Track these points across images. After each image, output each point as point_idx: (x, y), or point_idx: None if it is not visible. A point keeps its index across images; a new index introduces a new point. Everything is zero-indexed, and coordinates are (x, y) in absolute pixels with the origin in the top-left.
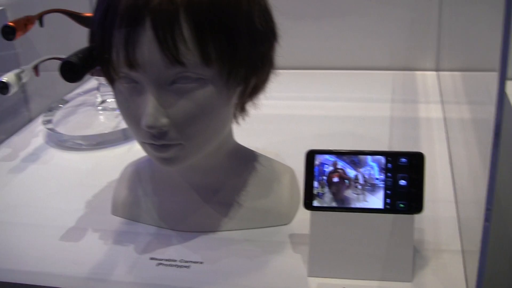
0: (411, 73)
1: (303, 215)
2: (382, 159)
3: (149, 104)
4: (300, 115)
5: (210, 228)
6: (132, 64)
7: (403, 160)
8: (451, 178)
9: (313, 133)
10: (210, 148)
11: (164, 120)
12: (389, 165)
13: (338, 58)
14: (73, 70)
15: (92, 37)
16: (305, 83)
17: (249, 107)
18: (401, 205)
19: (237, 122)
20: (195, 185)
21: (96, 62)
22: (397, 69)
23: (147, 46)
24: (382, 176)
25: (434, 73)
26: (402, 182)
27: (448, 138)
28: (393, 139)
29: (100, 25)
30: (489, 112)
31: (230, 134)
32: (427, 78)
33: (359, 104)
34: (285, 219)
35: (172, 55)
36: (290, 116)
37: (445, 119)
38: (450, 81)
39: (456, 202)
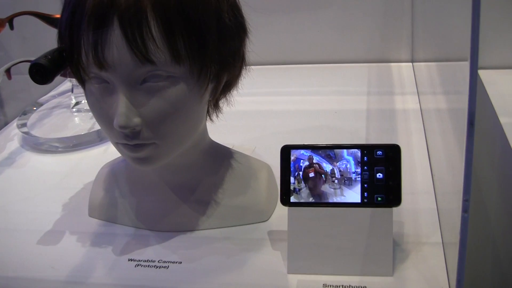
0: (386, 65)
1: (281, 211)
2: (357, 152)
3: (121, 104)
4: (275, 110)
5: (188, 227)
6: (101, 64)
7: (379, 152)
8: (429, 170)
9: (289, 128)
10: (184, 146)
11: (136, 120)
12: (365, 158)
13: (311, 52)
14: (42, 72)
15: (61, 38)
16: (279, 78)
17: (223, 104)
18: (379, 199)
19: (211, 120)
20: (171, 185)
21: (66, 63)
22: (372, 61)
23: (116, 45)
24: (359, 170)
25: (409, 64)
26: (379, 175)
27: (425, 129)
28: (370, 132)
29: (67, 25)
30: (463, 101)
31: (204, 131)
32: (402, 70)
33: (334, 98)
34: (263, 216)
35: (142, 54)
36: (265, 112)
37: (421, 110)
38: (425, 72)
39: (435, 193)
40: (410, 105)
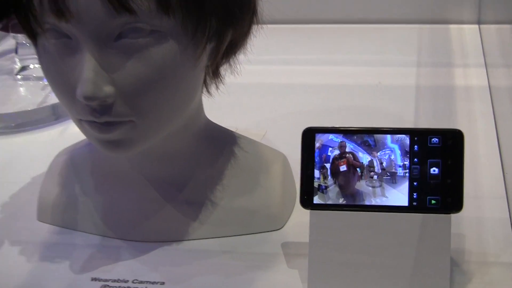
0: (444, 27)
1: (301, 216)
2: (406, 139)
3: (87, 67)
4: (294, 83)
5: (174, 236)
6: (61, 11)
7: (435, 140)
8: (500, 166)
9: (312, 107)
10: (171, 127)
11: (107, 89)
12: (416, 148)
13: (343, 7)
14: None
15: None
16: (300, 41)
17: (225, 72)
18: (433, 202)
19: (209, 93)
20: (152, 179)
21: (10, 11)
22: (425, 22)
23: None
24: (407, 163)
25: (474, 26)
26: (434, 171)
27: (494, 113)
28: (420, 115)
29: None
30: None
31: (199, 108)
32: (465, 33)
33: (373, 69)
34: (276, 222)
35: None
36: (281, 85)
37: (490, 87)
38: (496, 37)
39: (508, 198)
40: (474, 81)
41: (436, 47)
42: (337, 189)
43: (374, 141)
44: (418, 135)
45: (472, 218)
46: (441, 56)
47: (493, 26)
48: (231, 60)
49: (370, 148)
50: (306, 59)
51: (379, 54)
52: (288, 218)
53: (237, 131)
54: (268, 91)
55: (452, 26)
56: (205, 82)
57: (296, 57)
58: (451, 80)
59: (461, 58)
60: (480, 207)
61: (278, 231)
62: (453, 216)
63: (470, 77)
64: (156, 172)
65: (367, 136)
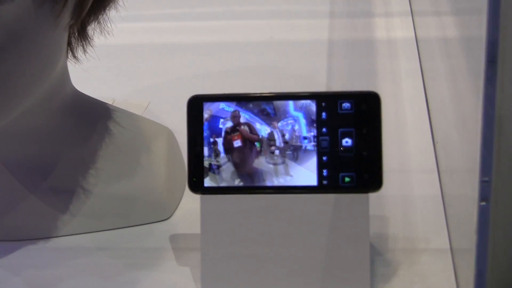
0: None
1: (191, 203)
2: (312, 105)
3: None
4: (180, 43)
5: (38, 233)
6: None
7: (346, 105)
8: (430, 133)
9: (203, 71)
10: (29, 100)
11: None
12: (324, 115)
13: None
14: None
15: None
16: None
17: (93, 32)
18: (347, 179)
19: (75, 58)
20: (9, 164)
21: None
22: None
23: None
24: (314, 133)
25: None
26: (347, 142)
27: (422, 70)
28: (334, 75)
29: None
30: (481, 24)
31: (64, 77)
32: None
33: (276, 22)
34: (161, 211)
35: None
36: (164, 46)
37: (417, 39)
38: None
39: (438, 171)
40: (399, 33)
41: None
42: (232, 168)
43: (274, 109)
44: (326, 100)
45: (396, 196)
46: (358, 2)
47: None
48: (100, 17)
49: (269, 117)
50: (192, 12)
51: (283, 4)
52: (177, 205)
53: (114, 103)
54: (148, 54)
55: None
56: (69, 44)
57: (180, 11)
58: (371, 32)
59: (382, 5)
60: (405, 183)
61: (164, 221)
62: (372, 195)
63: (393, 28)
64: (13, 155)
65: (265, 103)
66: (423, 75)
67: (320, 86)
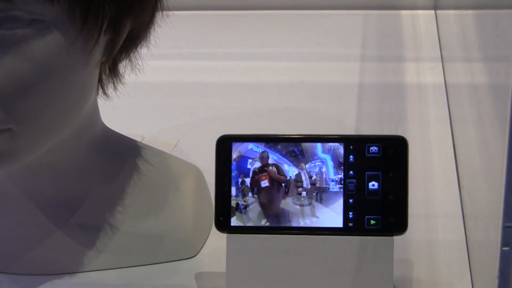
0: (394, 13)
1: (218, 241)
2: (340, 148)
3: None
4: (210, 82)
5: (65, 268)
6: None
7: (374, 149)
8: (456, 178)
9: (232, 111)
10: (59, 136)
11: None
12: (351, 158)
13: None
14: None
15: None
16: (216, 31)
17: (125, 69)
18: (372, 222)
19: (106, 95)
20: (38, 199)
21: None
22: (371, 8)
23: None
24: (341, 176)
25: (430, 12)
26: (373, 185)
27: (451, 116)
28: (363, 119)
29: None
30: (508, 70)
31: (94, 114)
32: (419, 21)
33: (307, 64)
34: (188, 249)
35: None
36: (194, 84)
37: (446, 85)
38: (456, 25)
39: (463, 216)
40: (428, 78)
41: (384, 38)
42: (258, 208)
43: (302, 151)
44: (353, 143)
45: (421, 241)
46: (389, 48)
47: (452, 12)
48: (131, 55)
49: (297, 159)
50: (224, 52)
51: (315, 46)
52: (203, 244)
53: (143, 141)
54: (178, 92)
55: (403, 12)
56: (100, 81)
57: (212, 51)
58: (401, 76)
59: (413, 50)
60: (430, 227)
61: (190, 259)
62: (398, 239)
63: (424, 73)
64: (42, 191)
65: (293, 145)
66: (451, 120)
67: (349, 129)
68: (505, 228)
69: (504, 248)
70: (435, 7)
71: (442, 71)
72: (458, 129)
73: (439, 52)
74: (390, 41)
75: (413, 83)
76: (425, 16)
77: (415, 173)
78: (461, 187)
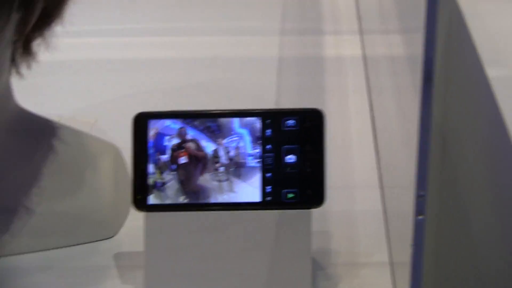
0: None
1: (137, 220)
2: (257, 122)
3: None
4: (129, 58)
5: None
6: None
7: (290, 122)
8: (373, 150)
9: (151, 88)
10: None
11: None
12: (269, 132)
13: None
14: None
15: None
16: (134, 7)
17: (38, 47)
18: (290, 195)
19: (19, 73)
20: None
21: None
22: None
23: None
24: (258, 150)
25: None
26: (290, 159)
27: (369, 87)
28: (283, 92)
29: None
30: (417, 43)
31: (7, 94)
32: None
33: (225, 39)
34: (107, 229)
35: None
36: (112, 61)
37: (365, 57)
38: None
39: (382, 187)
40: (347, 51)
41: (302, 11)
42: (176, 185)
43: (219, 126)
44: (270, 117)
45: (339, 212)
46: (308, 21)
47: None
48: (45, 33)
49: (214, 135)
50: (142, 28)
51: (233, 20)
52: (123, 223)
53: (60, 121)
54: (96, 70)
55: None
56: (13, 60)
57: (127, 27)
58: (320, 49)
59: (331, 23)
60: (349, 199)
61: (110, 239)
62: (317, 211)
63: (342, 46)
64: None
65: (210, 120)
66: (369, 92)
67: (269, 103)
68: (418, 197)
69: (418, 217)
70: None
71: (360, 43)
72: (376, 100)
73: (358, 24)
74: (310, 14)
75: (332, 55)
76: None
77: (334, 145)
78: (379, 158)
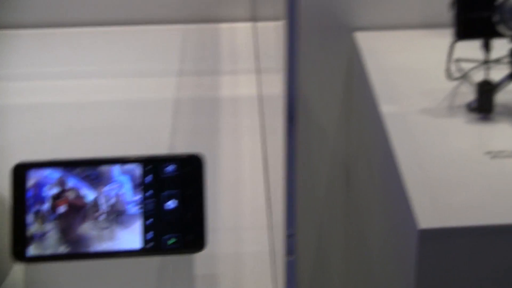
0: (212, 27)
1: (21, 272)
2: (137, 169)
3: None
4: (16, 104)
5: None
6: None
7: (171, 168)
8: (264, 190)
9: (39, 134)
10: None
11: None
12: (149, 178)
13: (89, 8)
14: None
15: None
16: (30, 49)
17: None
18: (171, 241)
19: None
20: None
21: None
22: (189, 22)
23: None
24: (139, 197)
25: (247, 24)
26: (170, 204)
27: (263, 127)
28: (178, 134)
29: None
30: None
31: None
32: (237, 33)
33: (122, 81)
34: None
35: None
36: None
37: (260, 97)
38: (272, 36)
39: (271, 228)
40: (243, 90)
41: (201, 51)
42: (57, 235)
43: (99, 174)
44: (150, 164)
45: (227, 254)
46: (206, 62)
47: (270, 24)
48: None
49: (94, 182)
50: (32, 72)
51: (131, 63)
52: (7, 275)
53: None
54: None
55: (222, 25)
56: None
57: (18, 71)
58: (216, 90)
59: (230, 63)
60: (237, 241)
61: None
62: (204, 253)
63: (240, 85)
64: None
65: (90, 168)
66: (264, 132)
67: (163, 146)
68: (288, 237)
69: (288, 258)
70: (255, 19)
71: (256, 82)
72: (269, 139)
73: (255, 64)
74: (208, 54)
75: (228, 96)
76: (243, 29)
77: (226, 186)
78: (270, 198)
